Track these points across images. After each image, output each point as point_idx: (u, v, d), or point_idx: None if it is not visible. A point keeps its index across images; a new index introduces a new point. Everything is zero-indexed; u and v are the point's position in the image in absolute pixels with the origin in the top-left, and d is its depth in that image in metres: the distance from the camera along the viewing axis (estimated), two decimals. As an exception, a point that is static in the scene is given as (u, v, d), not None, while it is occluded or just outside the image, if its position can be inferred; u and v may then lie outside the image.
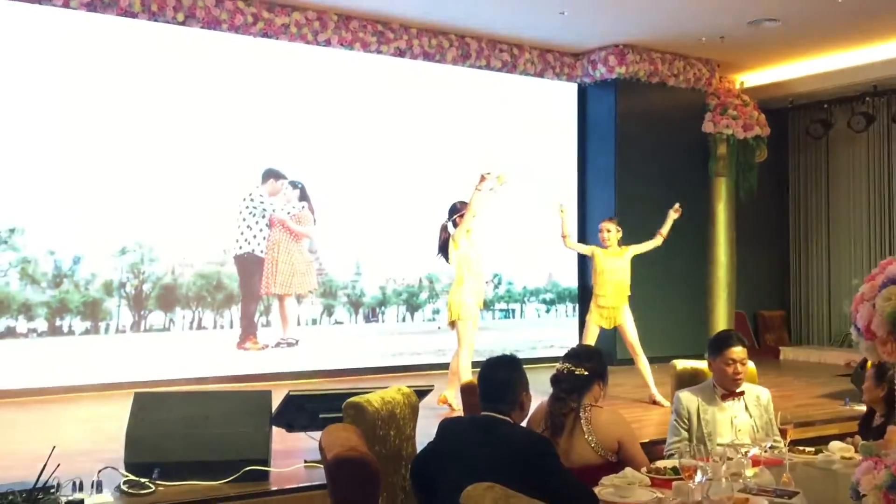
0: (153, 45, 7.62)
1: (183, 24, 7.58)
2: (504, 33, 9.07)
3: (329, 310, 8.56)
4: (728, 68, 10.28)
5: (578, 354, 3.57)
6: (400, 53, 8.68)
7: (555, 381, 3.50)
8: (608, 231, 6.95)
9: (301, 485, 4.07)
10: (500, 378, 3.06)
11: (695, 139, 9.95)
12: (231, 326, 8.04)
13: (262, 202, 8.16)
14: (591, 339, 6.79)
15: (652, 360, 7.96)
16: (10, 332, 7.06)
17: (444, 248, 6.40)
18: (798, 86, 10.15)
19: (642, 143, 9.61)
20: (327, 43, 8.26)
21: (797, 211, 11.37)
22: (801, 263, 11.32)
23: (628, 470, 3.22)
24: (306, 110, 8.34)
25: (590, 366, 3.50)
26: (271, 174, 8.23)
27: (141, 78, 7.58)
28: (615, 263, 6.85)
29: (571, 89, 9.98)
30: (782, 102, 10.59)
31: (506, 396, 3.02)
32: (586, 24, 8.74)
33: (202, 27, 7.68)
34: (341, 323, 8.64)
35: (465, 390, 3.98)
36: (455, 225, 6.43)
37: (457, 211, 6.47)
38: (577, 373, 3.46)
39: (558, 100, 9.91)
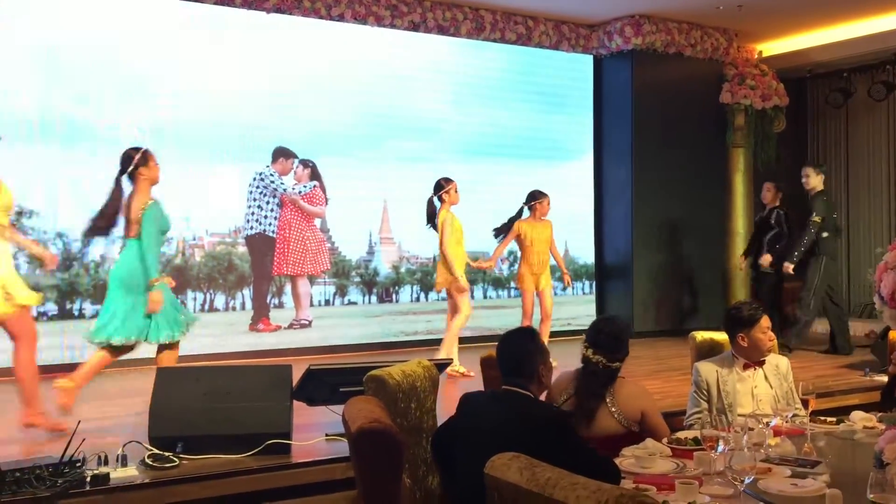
0: (165, 21, 7.59)
1: (198, 0, 7.56)
2: (519, 5, 8.99)
3: (342, 290, 8.51)
4: (746, 37, 10.15)
5: (610, 345, 3.49)
6: (414, 27, 8.62)
7: (590, 373, 3.49)
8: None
9: (322, 458, 4.10)
10: (518, 350, 3.06)
11: (712, 110, 9.87)
12: (243, 308, 8.01)
13: (272, 181, 8.11)
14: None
15: (671, 333, 7.98)
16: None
17: (431, 218, 6.80)
18: (817, 54, 10.02)
19: (659, 114, 9.53)
20: (341, 17, 8.22)
21: (816, 181, 11.24)
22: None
23: (649, 441, 3.23)
24: (318, 87, 8.28)
25: (621, 355, 3.51)
26: (282, 153, 8.17)
27: (149, 53, 7.54)
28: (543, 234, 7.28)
29: (587, 61, 9.90)
30: (801, 72, 10.45)
31: (524, 369, 3.03)
32: (602, -6, 8.66)
33: (215, 3, 7.65)
34: (355, 303, 8.61)
35: (486, 363, 3.99)
36: (441, 200, 6.75)
37: (441, 188, 6.77)
38: (612, 367, 3.47)
39: (574, 72, 9.84)
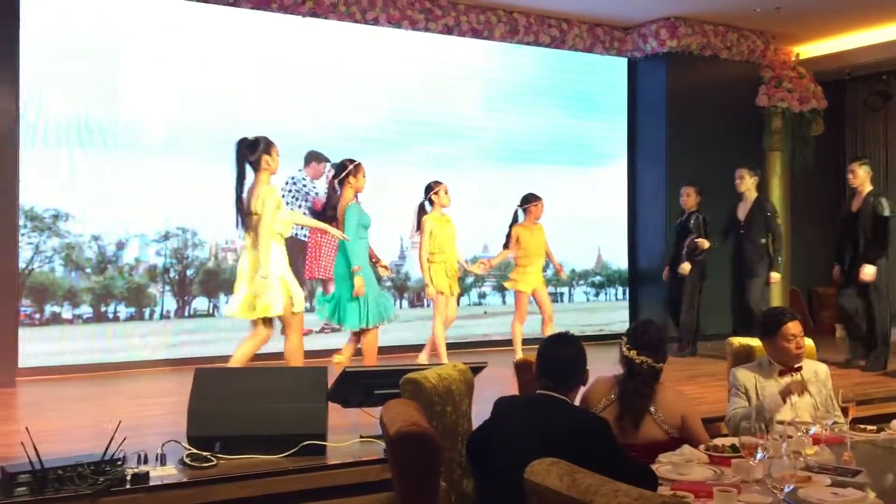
0: (201, 25, 7.69)
1: (234, 4, 7.66)
2: (553, 8, 8.98)
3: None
4: (783, 40, 10.05)
5: (654, 345, 3.50)
6: (448, 30, 8.65)
7: (634, 373, 3.49)
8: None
9: (357, 459, 4.13)
10: (565, 355, 3.06)
11: (748, 113, 9.78)
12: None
13: (304, 185, 8.12)
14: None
15: (707, 338, 7.91)
16: (55, 318, 7.13)
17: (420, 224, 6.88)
18: (856, 56, 9.89)
19: (694, 117, 9.46)
20: (375, 21, 8.27)
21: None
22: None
23: (686, 447, 3.22)
24: (351, 91, 8.32)
25: (663, 356, 3.53)
26: (314, 157, 8.19)
27: (188, 59, 7.64)
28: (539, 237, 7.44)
29: (622, 64, 9.86)
30: (839, 74, 10.32)
31: (570, 374, 3.03)
32: (637, -3, 8.62)
33: (252, 7, 7.74)
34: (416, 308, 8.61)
35: (520, 367, 3.99)
36: (431, 203, 6.82)
37: (430, 190, 6.84)
38: (657, 367, 3.48)
39: (608, 75, 9.81)
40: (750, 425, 2.93)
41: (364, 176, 6.17)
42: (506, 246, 7.46)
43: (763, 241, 7.34)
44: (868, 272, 6.92)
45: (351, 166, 6.13)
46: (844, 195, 11.04)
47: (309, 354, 7.56)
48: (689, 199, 8.00)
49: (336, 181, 6.30)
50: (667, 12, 9.15)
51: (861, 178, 7.13)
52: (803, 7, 8.79)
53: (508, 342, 8.60)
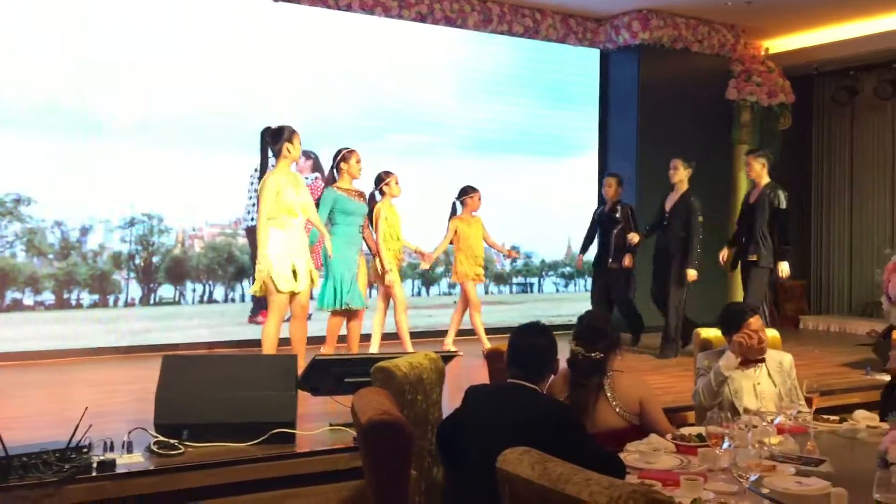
0: (167, 10, 7.58)
1: (204, -13, 7.56)
2: (526, -2, 8.99)
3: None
4: (753, 34, 10.14)
5: (589, 334, 3.50)
6: (421, 18, 8.61)
7: (571, 365, 3.50)
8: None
9: (326, 447, 4.12)
10: (536, 345, 3.07)
11: (718, 106, 9.87)
12: (242, 300, 7.95)
13: None
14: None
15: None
16: (17, 305, 7.00)
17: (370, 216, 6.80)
18: (824, 52, 10.01)
19: (665, 109, 9.52)
20: (348, 7, 8.20)
21: (820, 179, 11.25)
22: (822, 232, 11.24)
23: (653, 436, 3.26)
24: (322, 77, 8.24)
25: (603, 344, 3.48)
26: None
27: (156, 44, 7.52)
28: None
29: (594, 55, 9.89)
30: (808, 69, 10.44)
31: (540, 364, 3.05)
32: (610, -11, 8.65)
33: (223, -9, 7.65)
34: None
35: (491, 356, 4.01)
36: (382, 193, 6.81)
37: (381, 181, 6.85)
38: (593, 357, 3.46)
39: (581, 66, 9.84)
40: (715, 415, 2.98)
41: (358, 161, 6.35)
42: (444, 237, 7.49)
43: (683, 234, 7.25)
44: (785, 269, 7.07)
45: (343, 152, 6.33)
46: (811, 188, 11.26)
47: (281, 342, 7.59)
48: (611, 189, 7.90)
49: (333, 169, 6.46)
50: (639, 4, 9.19)
51: (757, 170, 7.22)
52: (773, 2, 8.87)
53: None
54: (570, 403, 3.41)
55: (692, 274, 7.15)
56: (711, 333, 4.49)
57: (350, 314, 6.36)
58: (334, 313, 6.32)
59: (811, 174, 11.32)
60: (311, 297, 5.95)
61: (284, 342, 6.96)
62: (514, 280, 9.57)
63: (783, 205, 7.06)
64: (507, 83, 9.32)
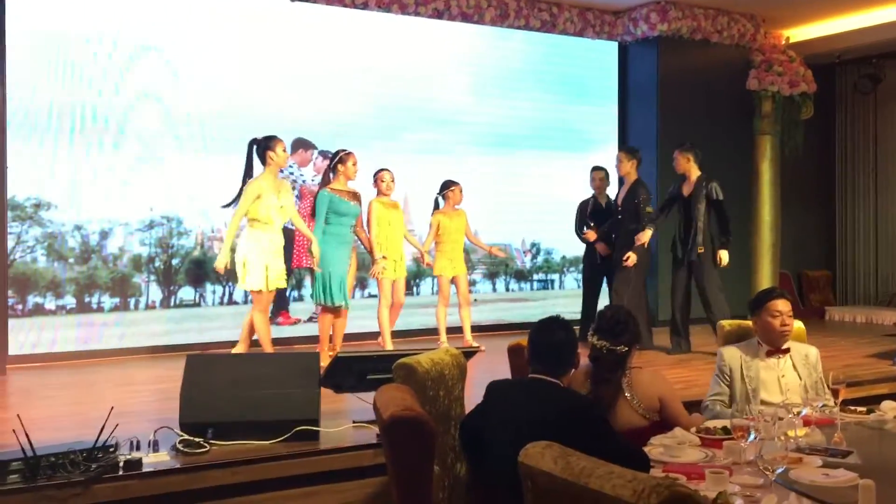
0: (186, 11, 7.61)
1: (222, -12, 7.59)
2: (543, -8, 8.95)
3: (362, 283, 8.35)
4: (773, 23, 10.04)
5: (612, 329, 3.45)
6: (438, 14, 8.59)
7: (594, 360, 3.47)
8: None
9: (350, 444, 4.13)
10: (557, 339, 3.06)
11: (739, 97, 9.77)
12: None
13: (291, 173, 8.01)
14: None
15: (696, 321, 7.94)
16: (38, 310, 7.02)
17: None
18: (846, 40, 9.88)
19: (685, 101, 9.46)
20: (364, 5, 8.20)
21: (844, 168, 11.14)
22: (847, 222, 11.12)
23: (678, 430, 3.24)
24: (339, 76, 8.23)
25: (626, 339, 3.45)
26: (301, 143, 8.11)
27: (173, 45, 7.55)
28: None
29: (612, 48, 9.84)
30: (829, 57, 10.32)
31: (561, 358, 3.04)
32: (627, -19, 8.59)
33: (241, -8, 7.68)
34: (374, 296, 8.49)
35: (512, 351, 4.00)
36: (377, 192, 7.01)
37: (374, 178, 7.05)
38: (617, 351, 3.42)
39: (599, 59, 9.78)
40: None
41: (354, 164, 6.50)
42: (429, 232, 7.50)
43: (633, 227, 7.25)
44: (725, 258, 7.12)
45: (340, 154, 6.49)
46: (835, 178, 11.15)
47: (300, 340, 7.65)
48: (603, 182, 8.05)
49: (329, 170, 6.55)
50: (657, -4, 9.13)
51: (683, 165, 7.24)
52: (793, -10, 8.79)
53: (499, 327, 8.67)
54: (593, 398, 3.39)
55: (632, 258, 7.14)
56: (737, 323, 4.45)
57: (337, 312, 6.45)
58: (325, 310, 6.40)
59: (834, 163, 11.20)
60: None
61: (310, 340, 7.02)
62: (535, 277, 9.53)
63: (721, 196, 7.13)
64: (525, 78, 9.29)
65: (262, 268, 5.91)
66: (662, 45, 9.39)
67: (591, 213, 7.99)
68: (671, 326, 7.36)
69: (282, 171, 7.91)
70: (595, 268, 7.92)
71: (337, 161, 6.49)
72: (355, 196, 6.61)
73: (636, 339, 3.51)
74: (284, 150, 6.10)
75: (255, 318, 6.04)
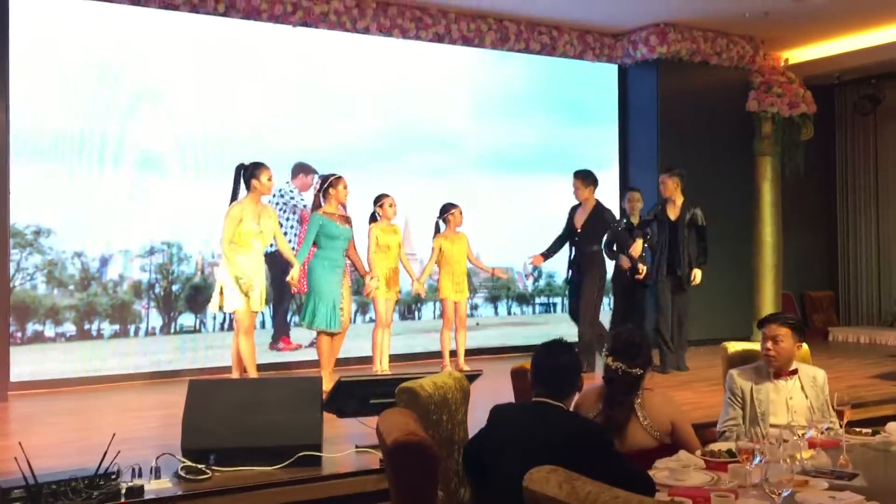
0: (186, 35, 7.64)
1: (224, 14, 7.64)
2: (543, 15, 9.00)
3: (363, 308, 8.31)
4: (772, 45, 10.09)
5: (627, 350, 3.45)
6: (438, 38, 8.66)
7: (609, 381, 3.46)
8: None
9: (353, 470, 4.11)
10: (560, 363, 3.04)
11: (739, 118, 9.80)
12: (262, 327, 7.84)
13: (292, 197, 8.05)
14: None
15: (698, 342, 7.94)
16: (38, 337, 6.99)
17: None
18: (845, 61, 9.93)
19: (685, 123, 9.49)
20: (366, 30, 8.27)
21: (845, 189, 11.15)
22: (849, 243, 11.12)
23: (682, 453, 3.21)
24: (339, 100, 8.28)
25: (640, 361, 3.45)
26: (301, 168, 8.12)
27: (175, 71, 7.58)
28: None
29: (612, 71, 9.89)
30: (829, 78, 10.37)
31: (565, 381, 3.02)
32: (626, 3, 8.64)
33: (242, 17, 7.72)
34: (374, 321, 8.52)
35: (516, 374, 3.98)
36: (378, 216, 7.09)
37: (376, 202, 7.11)
38: (632, 373, 3.42)
39: (599, 82, 9.83)
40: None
41: (345, 188, 6.52)
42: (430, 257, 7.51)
43: (595, 248, 7.44)
44: (698, 276, 7.43)
45: (331, 179, 6.52)
46: (836, 199, 11.16)
47: (301, 365, 7.62)
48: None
49: (320, 194, 6.57)
50: (656, 19, 9.18)
51: (672, 189, 7.48)
52: (792, 12, 8.83)
53: (501, 350, 8.64)
54: (604, 420, 3.38)
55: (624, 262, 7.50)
56: (741, 347, 4.43)
57: (331, 335, 6.44)
58: (320, 334, 6.42)
59: (835, 184, 11.22)
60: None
61: (311, 364, 7.01)
62: (537, 300, 9.52)
63: (705, 222, 7.49)
64: (525, 101, 9.33)
65: (235, 291, 5.95)
66: (662, 68, 9.44)
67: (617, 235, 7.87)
68: (666, 345, 7.43)
69: (283, 196, 8.01)
70: (627, 284, 7.82)
71: (328, 185, 6.49)
72: (347, 220, 6.62)
73: (649, 362, 3.53)
74: (270, 179, 6.11)
75: (239, 342, 6.03)
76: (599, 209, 7.44)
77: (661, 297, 7.44)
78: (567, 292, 7.91)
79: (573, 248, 7.60)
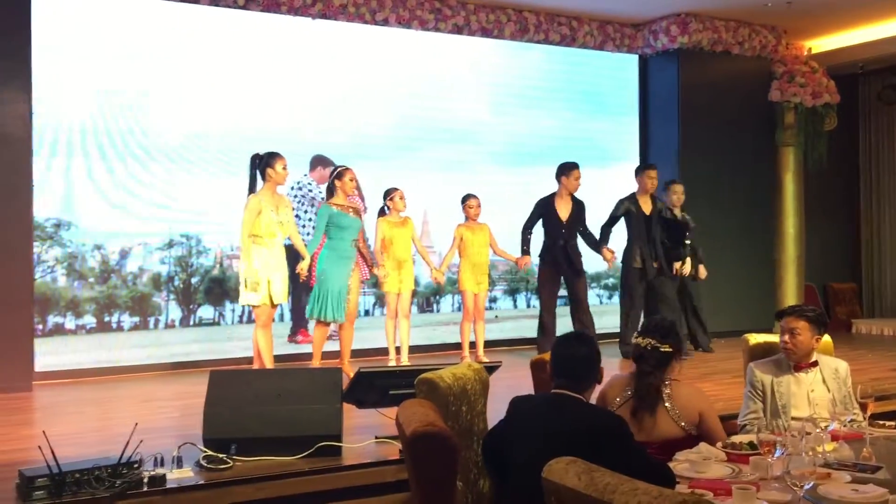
0: (205, 28, 7.66)
1: (244, 7, 7.66)
2: (563, 6, 8.94)
3: (381, 300, 8.23)
4: (795, 34, 9.98)
5: (660, 329, 3.52)
6: (458, 30, 8.63)
7: (639, 357, 3.50)
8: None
9: (373, 460, 4.13)
10: (579, 354, 3.05)
11: (761, 109, 9.72)
12: (281, 319, 7.86)
13: (310, 190, 8.04)
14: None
15: (721, 334, 7.88)
16: (58, 329, 7.04)
17: None
18: (869, 50, 9.81)
19: (706, 114, 9.41)
20: (385, 22, 8.26)
21: (868, 179, 11.03)
22: (872, 234, 11.00)
23: (703, 445, 3.20)
24: (358, 92, 8.26)
25: (672, 342, 3.49)
26: (319, 161, 8.11)
27: (195, 63, 7.61)
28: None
29: (632, 61, 9.82)
30: (852, 68, 10.25)
31: (584, 373, 3.03)
32: (647, -7, 8.59)
33: (262, 10, 7.74)
34: None
35: (535, 366, 3.98)
36: (388, 208, 7.15)
37: (386, 196, 7.18)
38: (661, 349, 3.45)
39: (619, 73, 9.77)
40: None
41: (352, 180, 6.55)
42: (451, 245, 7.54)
43: (573, 241, 7.60)
44: (687, 267, 7.73)
45: (337, 170, 6.57)
46: (859, 189, 11.04)
47: (306, 357, 7.62)
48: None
49: (329, 186, 6.63)
50: (677, 8, 9.11)
51: (655, 185, 7.81)
52: (815, 1, 8.73)
53: (520, 342, 8.62)
54: (634, 408, 3.40)
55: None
56: (762, 339, 4.40)
57: (340, 325, 6.51)
58: (318, 324, 6.42)
59: (858, 174, 11.10)
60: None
61: (329, 356, 7.04)
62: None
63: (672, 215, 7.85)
64: (545, 93, 9.28)
65: (263, 283, 5.94)
66: (683, 58, 9.36)
67: (670, 228, 7.87)
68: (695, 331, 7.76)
69: (301, 189, 8.03)
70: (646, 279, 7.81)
71: (335, 177, 6.54)
72: (356, 211, 6.66)
73: (680, 348, 3.58)
74: (284, 168, 6.10)
75: (257, 334, 6.07)
76: (581, 201, 7.69)
77: (665, 291, 7.58)
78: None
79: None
